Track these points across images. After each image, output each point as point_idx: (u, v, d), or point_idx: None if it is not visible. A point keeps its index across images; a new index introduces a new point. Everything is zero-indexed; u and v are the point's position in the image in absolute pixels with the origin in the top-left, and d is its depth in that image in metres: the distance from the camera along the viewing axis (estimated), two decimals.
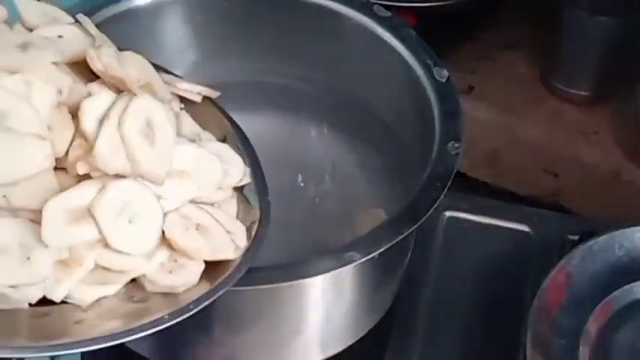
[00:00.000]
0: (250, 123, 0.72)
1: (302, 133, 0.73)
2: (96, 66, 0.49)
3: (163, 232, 0.46)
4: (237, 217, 0.51)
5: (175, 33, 0.70)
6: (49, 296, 0.44)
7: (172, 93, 0.54)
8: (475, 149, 0.85)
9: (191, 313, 0.45)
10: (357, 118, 0.70)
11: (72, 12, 0.63)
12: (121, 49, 0.52)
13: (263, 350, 0.59)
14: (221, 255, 0.47)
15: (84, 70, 0.50)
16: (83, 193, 0.44)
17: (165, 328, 0.44)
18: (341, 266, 0.50)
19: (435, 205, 0.53)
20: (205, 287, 0.46)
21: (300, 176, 0.71)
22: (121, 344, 0.60)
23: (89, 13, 0.64)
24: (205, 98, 0.56)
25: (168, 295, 0.46)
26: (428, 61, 0.63)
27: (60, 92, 0.47)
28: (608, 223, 0.70)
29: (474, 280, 0.70)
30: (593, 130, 0.88)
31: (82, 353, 0.60)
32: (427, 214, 0.53)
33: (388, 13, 0.67)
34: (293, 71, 0.72)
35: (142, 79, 0.51)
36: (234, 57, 0.72)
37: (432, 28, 0.69)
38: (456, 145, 0.57)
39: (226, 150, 0.52)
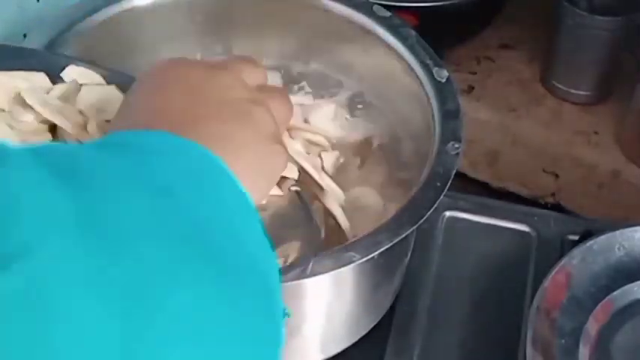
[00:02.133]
0: None
1: None
2: None
3: None
4: None
5: (175, 33, 0.70)
6: None
7: None
8: (475, 149, 0.85)
9: None
10: (356, 118, 0.70)
11: (72, 12, 0.64)
12: None
13: None
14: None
15: None
16: None
17: None
18: (340, 266, 0.50)
19: (435, 205, 0.53)
20: None
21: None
22: None
23: (89, 13, 0.64)
24: None
25: None
26: (428, 61, 0.63)
27: None
28: (608, 223, 0.70)
29: (474, 280, 0.70)
30: (593, 130, 0.88)
31: None
32: (427, 214, 0.53)
33: (388, 13, 0.67)
34: (292, 71, 0.72)
35: None
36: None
37: (432, 28, 0.69)
38: (456, 145, 0.57)
39: None
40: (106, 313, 0.27)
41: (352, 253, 0.50)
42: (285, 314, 0.35)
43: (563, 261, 0.64)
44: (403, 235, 0.52)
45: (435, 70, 0.62)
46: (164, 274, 0.30)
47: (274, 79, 0.71)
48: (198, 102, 0.41)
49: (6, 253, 0.26)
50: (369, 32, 0.67)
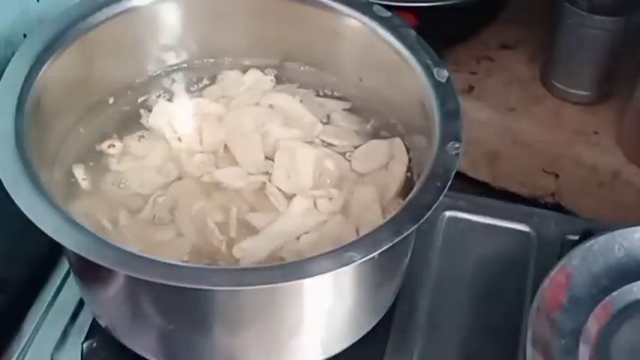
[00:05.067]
0: None
1: None
2: None
3: None
4: None
5: (175, 32, 0.70)
6: None
7: None
8: (475, 149, 0.85)
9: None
10: (357, 119, 0.70)
11: (72, 12, 0.64)
12: None
13: (263, 350, 0.58)
14: None
15: None
16: None
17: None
18: (341, 266, 0.50)
19: (435, 205, 0.53)
20: None
21: None
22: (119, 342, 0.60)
23: (89, 13, 0.64)
24: None
25: None
26: (428, 61, 0.63)
27: None
28: (608, 223, 0.70)
29: (474, 280, 0.70)
30: (593, 130, 0.88)
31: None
32: (427, 214, 0.53)
33: (388, 13, 0.67)
34: (291, 70, 0.72)
35: None
36: (232, 56, 0.72)
37: (432, 28, 0.69)
38: (456, 145, 0.57)
39: None
40: None
41: (352, 253, 0.50)
42: None
43: (563, 261, 0.64)
44: (403, 235, 0.52)
45: (435, 70, 0.62)
46: None
47: (269, 79, 0.71)
48: None
49: None
50: (369, 32, 0.67)
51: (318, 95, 0.71)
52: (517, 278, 0.70)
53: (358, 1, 0.68)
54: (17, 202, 0.51)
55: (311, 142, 0.67)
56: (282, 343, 0.58)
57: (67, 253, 0.61)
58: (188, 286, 0.49)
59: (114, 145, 0.65)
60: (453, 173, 0.55)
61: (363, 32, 0.67)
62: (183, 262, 0.58)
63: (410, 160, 0.65)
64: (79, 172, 0.63)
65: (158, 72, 0.71)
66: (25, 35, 0.67)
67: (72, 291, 0.69)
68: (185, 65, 0.72)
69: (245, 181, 0.63)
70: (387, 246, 0.51)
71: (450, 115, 0.59)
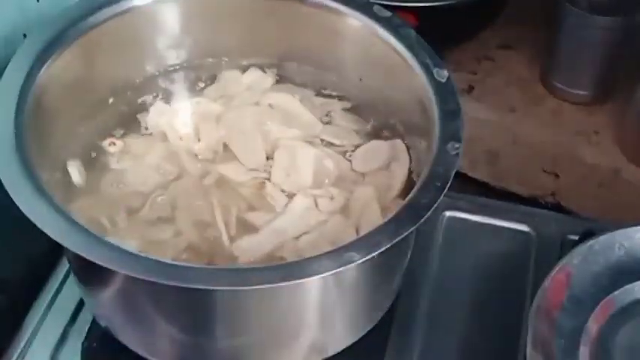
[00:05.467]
0: None
1: None
2: None
3: None
4: None
5: (175, 32, 0.70)
6: None
7: None
8: (475, 149, 0.85)
9: None
10: (357, 118, 0.70)
11: (72, 12, 0.64)
12: None
13: (263, 350, 0.59)
14: None
15: None
16: None
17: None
18: (341, 266, 0.50)
19: (435, 205, 0.53)
20: None
21: None
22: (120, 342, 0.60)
23: (89, 13, 0.64)
24: None
25: None
26: (428, 61, 0.63)
27: None
28: (608, 223, 0.70)
29: (474, 280, 0.70)
30: (593, 130, 0.88)
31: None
32: (427, 214, 0.53)
33: (388, 13, 0.67)
34: (291, 70, 0.72)
35: None
36: (232, 56, 0.72)
37: (432, 28, 0.69)
38: (456, 145, 0.57)
39: None
40: None
41: (352, 253, 0.50)
42: None
43: (564, 261, 0.64)
44: (403, 235, 0.52)
45: (435, 70, 0.62)
46: None
47: (269, 79, 0.71)
48: None
49: None
50: (369, 32, 0.67)
51: (318, 95, 0.71)
52: (517, 278, 0.70)
53: (358, 1, 0.68)
54: (17, 202, 0.51)
55: (311, 142, 0.67)
56: (282, 343, 0.58)
57: (67, 253, 0.61)
58: (188, 286, 0.49)
59: (114, 144, 0.65)
60: (453, 173, 0.55)
61: (363, 32, 0.67)
62: (183, 261, 0.58)
63: (410, 160, 0.65)
64: (73, 170, 0.63)
65: (158, 72, 0.71)
66: (25, 35, 0.67)
67: (72, 291, 0.69)
68: (185, 65, 0.72)
69: (248, 176, 0.64)
70: (387, 246, 0.51)
71: (450, 115, 0.59)
